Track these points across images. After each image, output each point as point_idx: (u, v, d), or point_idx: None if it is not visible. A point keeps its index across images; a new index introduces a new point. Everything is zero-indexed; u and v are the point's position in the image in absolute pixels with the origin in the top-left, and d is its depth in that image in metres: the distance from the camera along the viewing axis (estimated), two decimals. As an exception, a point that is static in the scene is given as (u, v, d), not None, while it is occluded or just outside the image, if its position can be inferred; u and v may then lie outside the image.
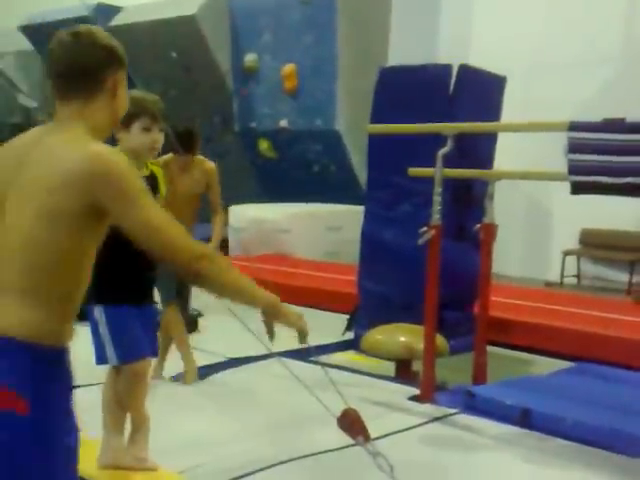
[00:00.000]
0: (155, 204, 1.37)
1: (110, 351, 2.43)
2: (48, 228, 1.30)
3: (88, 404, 2.71)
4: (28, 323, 1.30)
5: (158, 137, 2.46)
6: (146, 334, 2.50)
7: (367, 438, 1.76)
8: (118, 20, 9.29)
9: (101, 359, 2.47)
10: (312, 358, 1.69)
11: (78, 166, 1.31)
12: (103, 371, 2.56)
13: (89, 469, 2.50)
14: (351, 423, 1.77)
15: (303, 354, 1.66)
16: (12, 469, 1.25)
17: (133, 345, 2.46)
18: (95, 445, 2.52)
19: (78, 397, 3.35)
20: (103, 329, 2.43)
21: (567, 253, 7.20)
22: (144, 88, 6.87)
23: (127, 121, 2.37)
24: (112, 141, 2.47)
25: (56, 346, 1.33)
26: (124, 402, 2.51)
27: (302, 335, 1.57)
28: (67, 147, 1.34)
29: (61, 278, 1.34)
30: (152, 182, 2.49)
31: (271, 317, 1.52)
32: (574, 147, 3.04)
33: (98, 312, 2.44)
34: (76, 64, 1.37)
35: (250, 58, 8.73)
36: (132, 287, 2.48)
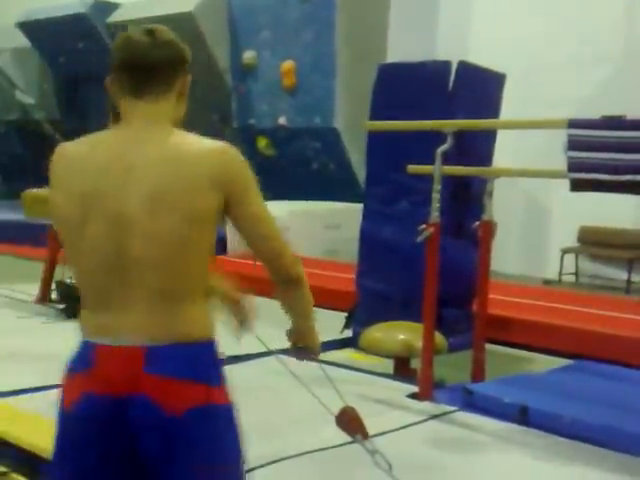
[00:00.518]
0: (265, 203, 1.40)
1: None
2: (194, 230, 1.32)
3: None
4: (198, 322, 1.35)
5: None
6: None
7: (365, 436, 1.76)
8: (115, 17, 9.27)
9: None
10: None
11: (211, 166, 1.32)
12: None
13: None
14: (349, 421, 1.77)
15: (301, 353, 1.65)
16: (224, 453, 1.37)
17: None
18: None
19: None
20: None
21: (565, 251, 7.20)
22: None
23: (119, 117, 2.36)
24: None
25: (215, 337, 1.40)
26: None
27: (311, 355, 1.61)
28: (185, 145, 1.34)
29: (205, 274, 1.38)
30: None
31: (303, 336, 1.56)
32: (574, 144, 3.04)
33: None
34: (154, 62, 1.37)
35: (249, 55, 8.71)
36: None
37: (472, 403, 3.22)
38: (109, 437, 1.28)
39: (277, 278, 1.42)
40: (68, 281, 4.92)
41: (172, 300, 1.32)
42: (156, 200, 1.29)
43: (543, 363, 4.11)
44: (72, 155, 1.37)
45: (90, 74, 9.72)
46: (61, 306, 4.96)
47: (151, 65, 1.37)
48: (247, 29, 8.73)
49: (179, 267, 1.32)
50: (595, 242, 7.14)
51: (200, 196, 1.31)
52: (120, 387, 1.27)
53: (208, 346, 1.36)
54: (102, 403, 1.28)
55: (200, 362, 1.33)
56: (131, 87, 1.38)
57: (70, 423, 1.33)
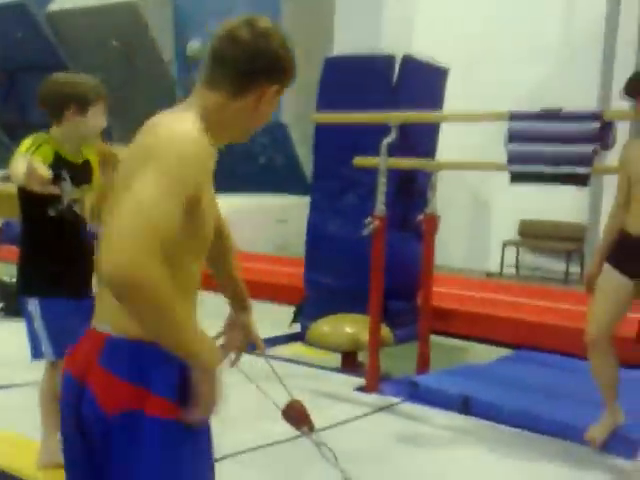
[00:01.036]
0: (156, 186, 1.10)
1: (46, 346, 2.34)
2: None
3: (26, 403, 2.63)
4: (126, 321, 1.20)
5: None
6: (84, 328, 2.43)
7: (311, 428, 1.76)
8: (55, 5, 8.96)
9: (37, 354, 2.39)
10: (258, 351, 1.67)
11: (140, 148, 1.19)
12: (40, 370, 2.47)
13: (28, 469, 2.43)
14: (295, 414, 1.76)
15: (249, 348, 1.64)
16: (134, 470, 1.22)
17: (70, 339, 2.37)
18: (34, 445, 2.45)
19: (15, 397, 3.20)
20: (38, 323, 2.34)
21: (506, 244, 7.40)
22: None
23: (84, 106, 2.34)
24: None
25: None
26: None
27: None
28: (152, 131, 1.21)
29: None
30: (84, 170, 2.40)
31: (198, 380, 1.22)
32: (514, 136, 3.11)
33: (32, 305, 2.34)
34: (232, 58, 1.23)
35: (194, 46, 8.58)
36: (69, 277, 2.37)
37: (417, 395, 3.27)
38: (72, 418, 1.26)
39: (107, 283, 1.10)
40: (7, 279, 4.75)
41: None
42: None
43: (486, 353, 4.22)
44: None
45: (30, 64, 9.36)
46: (0, 304, 4.79)
47: (225, 61, 1.24)
48: (193, 19, 8.60)
49: None
50: (534, 235, 7.37)
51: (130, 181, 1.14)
52: (80, 373, 1.27)
53: (164, 350, 1.18)
54: (71, 384, 1.28)
55: (146, 364, 1.20)
56: (204, 76, 1.27)
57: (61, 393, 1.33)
